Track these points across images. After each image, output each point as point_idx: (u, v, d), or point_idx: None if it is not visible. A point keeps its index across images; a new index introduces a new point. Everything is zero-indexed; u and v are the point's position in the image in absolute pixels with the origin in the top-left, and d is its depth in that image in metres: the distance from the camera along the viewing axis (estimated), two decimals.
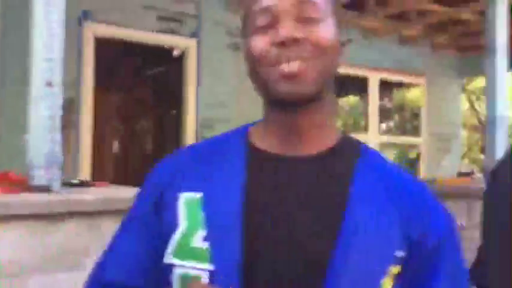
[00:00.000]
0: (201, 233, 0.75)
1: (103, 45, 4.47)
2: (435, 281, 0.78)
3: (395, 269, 0.74)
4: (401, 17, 5.55)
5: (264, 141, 0.83)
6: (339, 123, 10.12)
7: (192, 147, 0.91)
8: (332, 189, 0.77)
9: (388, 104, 9.98)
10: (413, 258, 0.76)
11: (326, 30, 0.77)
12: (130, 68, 6.49)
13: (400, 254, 0.74)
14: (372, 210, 0.76)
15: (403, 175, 0.83)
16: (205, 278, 0.73)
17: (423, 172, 6.37)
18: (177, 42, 4.86)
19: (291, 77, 0.74)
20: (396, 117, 11.09)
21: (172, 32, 4.73)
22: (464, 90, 10.12)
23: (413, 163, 6.76)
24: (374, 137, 6.19)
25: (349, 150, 0.83)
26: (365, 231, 0.74)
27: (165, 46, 4.92)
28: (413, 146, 6.67)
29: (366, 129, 6.29)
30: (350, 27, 5.57)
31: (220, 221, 0.75)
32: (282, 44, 0.74)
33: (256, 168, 0.80)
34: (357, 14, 5.38)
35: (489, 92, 4.12)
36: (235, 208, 0.75)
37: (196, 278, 0.73)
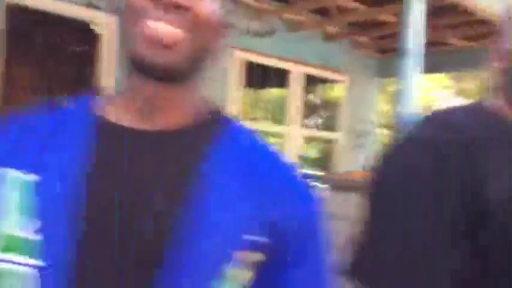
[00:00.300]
0: (32, 222, 0.65)
1: (15, 14, 4.18)
2: (294, 269, 0.73)
3: (251, 256, 0.69)
4: (325, 13, 5.62)
5: (115, 112, 0.73)
6: (261, 114, 10.18)
7: (22, 118, 0.75)
8: (180, 168, 0.70)
9: (313, 99, 10.18)
10: (275, 245, 0.71)
11: (211, 6, 0.69)
12: (47, 41, 6.14)
13: (253, 238, 0.69)
14: (220, 191, 0.69)
15: (269, 155, 0.78)
16: (34, 275, 0.64)
17: (339, 166, 6.56)
18: (97, 17, 4.65)
19: (161, 44, 0.66)
20: (321, 112, 11.34)
21: (92, 6, 4.52)
22: (384, 90, 10.52)
23: (331, 157, 6.95)
24: (295, 130, 6.28)
25: (210, 127, 0.76)
26: (209, 214, 0.68)
27: (85, 20, 4.69)
28: (334, 141, 6.85)
29: (287, 122, 6.37)
30: (273, 19, 5.59)
31: (53, 210, 0.65)
32: (161, 4, 0.65)
33: (104, 145, 0.70)
34: (281, 6, 5.39)
35: (401, 93, 4.28)
36: (70, 194, 0.66)
37: (19, 275, 0.64)
